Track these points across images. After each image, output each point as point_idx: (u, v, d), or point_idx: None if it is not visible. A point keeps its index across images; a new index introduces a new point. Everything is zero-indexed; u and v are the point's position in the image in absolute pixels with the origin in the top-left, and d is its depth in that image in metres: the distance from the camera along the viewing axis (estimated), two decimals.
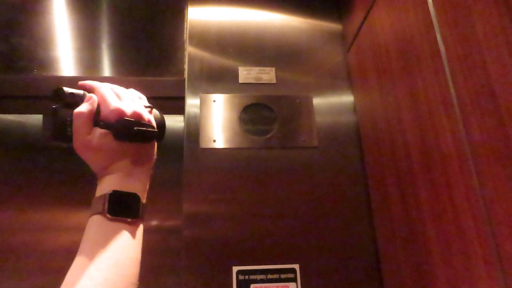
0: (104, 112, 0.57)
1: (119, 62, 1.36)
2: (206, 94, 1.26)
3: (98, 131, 0.57)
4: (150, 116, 0.62)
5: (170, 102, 1.29)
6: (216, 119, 1.23)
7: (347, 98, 1.32)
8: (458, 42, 0.75)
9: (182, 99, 1.27)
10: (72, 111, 0.57)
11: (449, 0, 0.77)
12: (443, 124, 0.79)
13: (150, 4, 1.46)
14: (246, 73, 1.31)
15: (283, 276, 1.08)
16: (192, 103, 1.25)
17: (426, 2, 0.84)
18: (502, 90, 0.64)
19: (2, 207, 1.25)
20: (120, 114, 0.57)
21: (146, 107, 0.63)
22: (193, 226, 1.11)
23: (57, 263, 1.19)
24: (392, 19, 1.02)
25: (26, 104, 1.37)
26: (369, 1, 1.15)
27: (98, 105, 0.58)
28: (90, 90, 0.61)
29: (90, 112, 0.57)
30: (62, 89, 0.58)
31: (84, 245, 0.51)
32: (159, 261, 1.20)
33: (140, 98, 0.65)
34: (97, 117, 0.57)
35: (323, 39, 1.41)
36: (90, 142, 0.56)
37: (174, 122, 1.33)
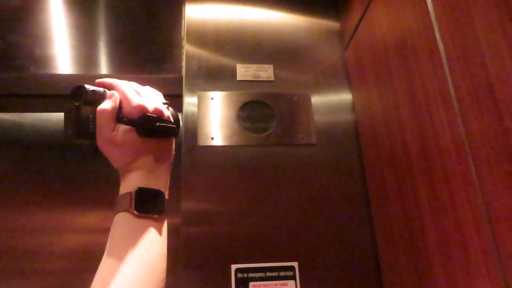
0: (126, 108, 0.58)
1: (116, 59, 1.35)
2: (203, 92, 1.26)
3: (122, 127, 0.57)
4: (169, 112, 0.63)
5: (167, 100, 1.28)
6: (214, 116, 1.23)
7: (345, 96, 1.32)
8: (456, 39, 0.75)
9: (180, 96, 1.26)
10: (94, 108, 0.58)
11: None
12: (442, 121, 0.79)
13: (147, 2, 1.45)
14: (244, 71, 1.30)
15: (282, 274, 1.08)
16: (189, 101, 1.25)
17: (425, 0, 0.84)
18: (500, 85, 0.64)
19: (8, 207, 1.24)
20: (143, 110, 0.58)
21: (164, 103, 0.64)
22: (191, 224, 1.11)
23: (64, 265, 1.19)
24: (390, 16, 1.02)
25: (23, 103, 1.36)
26: None
27: (120, 102, 0.59)
28: (109, 87, 0.61)
29: (113, 109, 0.58)
30: (84, 86, 0.58)
31: (112, 243, 0.52)
32: None
33: (157, 95, 0.66)
34: (119, 114, 0.58)
35: (321, 36, 1.40)
36: (114, 139, 0.57)
37: None
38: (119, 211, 0.54)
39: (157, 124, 0.58)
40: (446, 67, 0.78)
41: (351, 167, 1.23)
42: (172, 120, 0.63)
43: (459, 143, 0.74)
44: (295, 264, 1.09)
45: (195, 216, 1.12)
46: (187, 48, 1.32)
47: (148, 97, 0.61)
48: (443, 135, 0.79)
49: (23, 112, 1.38)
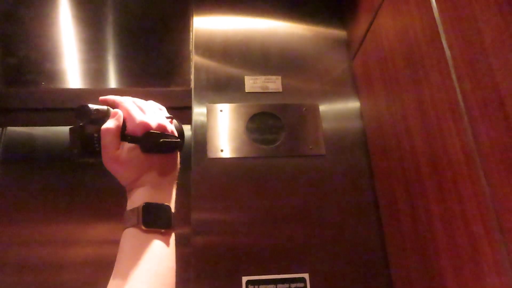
0: (130, 126, 0.59)
1: (125, 73, 1.37)
2: (212, 104, 1.27)
3: (126, 145, 0.58)
4: (172, 126, 0.63)
5: (177, 112, 1.29)
6: (223, 128, 1.24)
7: (354, 106, 1.32)
8: (464, 49, 0.75)
9: (189, 109, 1.27)
10: (98, 127, 0.58)
11: (454, 8, 0.77)
12: (451, 131, 0.79)
13: (155, 15, 1.47)
14: (252, 82, 1.31)
15: (292, 286, 1.07)
16: (199, 112, 1.26)
17: (432, 10, 0.84)
18: (509, 96, 0.63)
19: (20, 220, 1.26)
20: (146, 127, 0.58)
21: (167, 117, 0.65)
22: (202, 235, 1.11)
23: (76, 277, 1.20)
24: (397, 26, 1.02)
25: (34, 117, 1.38)
26: (374, 9, 1.15)
27: (124, 120, 0.60)
28: (113, 105, 0.62)
29: (117, 127, 0.58)
30: (88, 106, 0.58)
31: (122, 258, 0.52)
32: None
33: (160, 109, 0.66)
34: (123, 132, 0.59)
35: (328, 46, 1.41)
36: (119, 157, 0.58)
37: None
38: (127, 227, 0.55)
39: (161, 140, 0.59)
40: (454, 77, 0.78)
41: (361, 177, 1.22)
42: (176, 134, 0.64)
43: (469, 154, 0.73)
44: (306, 275, 1.08)
45: (205, 228, 1.12)
46: (196, 59, 1.33)
47: (151, 113, 0.61)
48: (452, 146, 0.79)
49: (34, 125, 1.40)
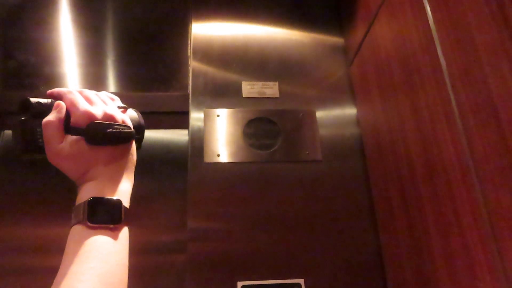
0: (73, 117, 0.55)
1: (124, 77, 1.38)
2: (210, 109, 1.28)
3: (70, 138, 0.55)
4: (124, 116, 0.60)
5: (174, 117, 1.31)
6: (220, 133, 1.24)
7: (350, 112, 1.33)
8: (458, 57, 0.76)
9: (186, 114, 1.28)
10: (41, 121, 0.55)
11: (449, 16, 0.78)
12: (446, 138, 0.80)
13: (154, 21, 1.48)
14: (249, 88, 1.32)
15: None
16: (196, 117, 1.26)
17: (427, 18, 0.85)
18: (503, 104, 0.64)
19: (18, 224, 1.25)
20: (90, 117, 0.55)
21: (120, 107, 0.61)
22: (198, 240, 1.11)
23: None
24: (394, 35, 1.03)
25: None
26: (371, 16, 1.16)
27: (68, 112, 0.56)
28: (58, 97, 0.58)
29: (58, 119, 0.55)
30: (29, 99, 0.55)
31: (66, 258, 0.49)
32: (164, 276, 1.20)
33: (113, 99, 0.62)
34: (67, 124, 0.55)
35: (326, 53, 1.42)
36: (62, 151, 0.54)
37: (178, 136, 1.34)
38: (74, 224, 0.52)
39: (108, 130, 0.55)
40: (449, 85, 0.78)
41: (357, 182, 1.23)
42: (130, 124, 0.60)
43: (463, 161, 0.74)
44: (301, 281, 1.09)
45: (201, 233, 1.12)
46: (194, 65, 1.34)
47: (98, 103, 0.58)
48: (447, 153, 0.79)
49: None
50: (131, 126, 0.60)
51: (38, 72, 1.35)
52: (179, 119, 1.30)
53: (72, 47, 1.39)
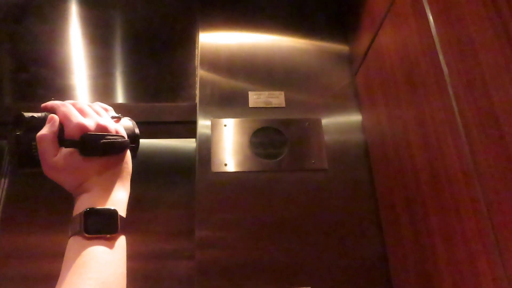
0: (67, 130, 0.55)
1: (132, 88, 1.40)
2: (217, 119, 1.29)
3: (64, 150, 0.55)
4: (117, 126, 0.60)
5: (182, 127, 1.32)
6: (227, 143, 1.26)
7: (356, 120, 1.34)
8: (461, 68, 0.76)
9: (194, 123, 1.30)
10: (36, 135, 0.55)
11: (451, 27, 0.79)
12: (450, 148, 0.80)
13: (162, 32, 1.50)
14: (256, 98, 1.33)
15: None
16: (204, 127, 1.28)
17: (430, 29, 0.86)
18: (505, 116, 0.65)
19: (25, 233, 1.27)
20: (83, 129, 0.55)
21: (113, 117, 0.62)
22: (206, 249, 1.13)
23: None
24: (398, 45, 1.04)
25: None
26: (375, 26, 1.17)
27: (62, 124, 0.56)
28: (51, 110, 0.58)
29: (52, 133, 0.55)
30: (22, 114, 0.56)
31: (64, 269, 0.50)
32: (171, 283, 1.21)
33: (106, 109, 0.63)
34: (61, 137, 0.55)
35: (331, 62, 1.43)
36: (57, 164, 0.55)
37: (186, 146, 1.36)
38: (71, 235, 0.52)
39: (100, 141, 0.56)
40: (452, 96, 0.79)
41: (363, 191, 1.23)
42: (124, 134, 0.60)
43: (467, 171, 0.75)
44: None
45: (209, 241, 1.14)
46: (201, 75, 1.36)
47: (91, 115, 0.58)
48: (451, 163, 0.80)
49: None
50: (125, 135, 0.61)
51: (50, 84, 1.38)
52: (187, 129, 1.32)
53: (82, 60, 1.42)
